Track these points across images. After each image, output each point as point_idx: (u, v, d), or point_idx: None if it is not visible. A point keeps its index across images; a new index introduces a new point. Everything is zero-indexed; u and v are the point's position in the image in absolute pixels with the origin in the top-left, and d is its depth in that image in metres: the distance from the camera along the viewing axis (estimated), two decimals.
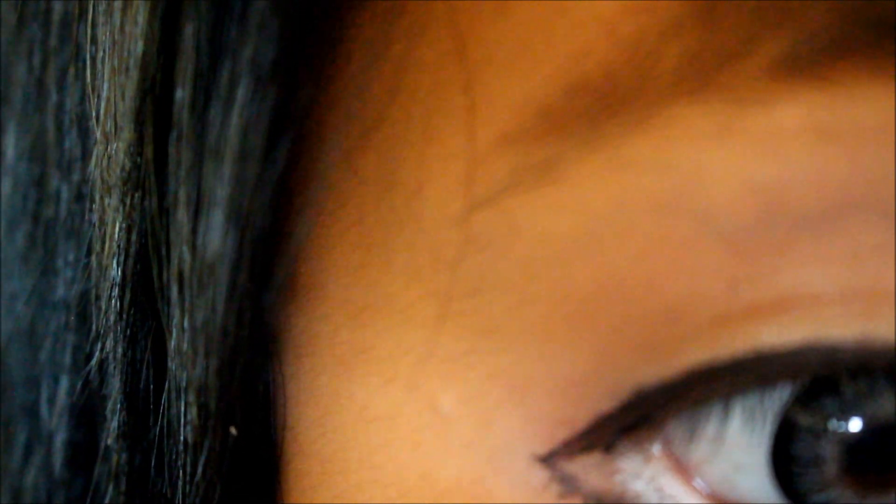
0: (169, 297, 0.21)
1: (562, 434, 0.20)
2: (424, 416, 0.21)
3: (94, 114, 0.22)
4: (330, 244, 0.21)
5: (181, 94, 0.20)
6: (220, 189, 0.20)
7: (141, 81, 0.21)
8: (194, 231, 0.21)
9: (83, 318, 0.24)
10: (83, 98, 0.23)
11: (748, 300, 0.19)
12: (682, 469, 0.20)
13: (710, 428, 0.20)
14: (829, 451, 0.20)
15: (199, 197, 0.20)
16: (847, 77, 0.18)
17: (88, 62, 0.22)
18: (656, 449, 0.20)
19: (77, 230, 0.24)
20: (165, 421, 0.22)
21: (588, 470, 0.20)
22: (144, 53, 0.20)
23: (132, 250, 0.22)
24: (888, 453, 0.19)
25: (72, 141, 0.23)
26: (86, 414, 0.24)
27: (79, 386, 0.23)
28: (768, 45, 0.18)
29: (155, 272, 0.21)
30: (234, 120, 0.20)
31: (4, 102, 0.25)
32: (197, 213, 0.20)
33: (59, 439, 0.25)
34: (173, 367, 0.22)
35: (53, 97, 0.24)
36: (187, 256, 0.21)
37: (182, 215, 0.21)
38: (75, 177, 0.23)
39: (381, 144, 0.20)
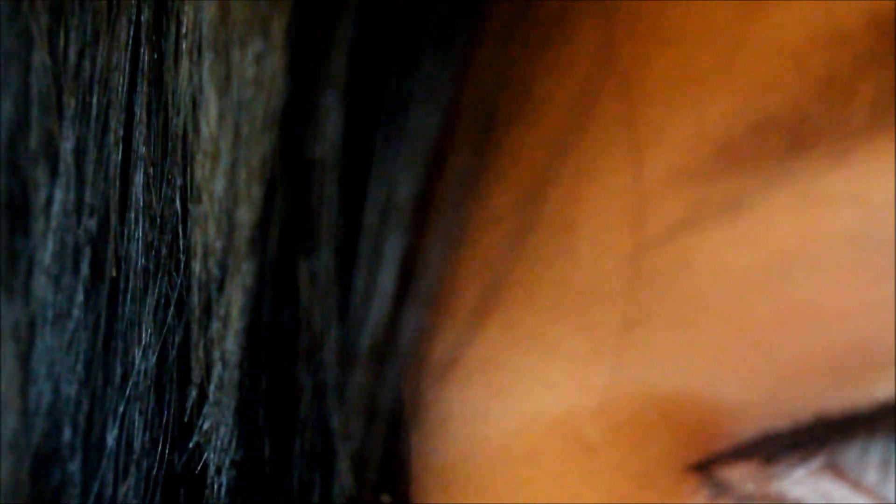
0: (316, 370, 0.19)
1: (720, 446, 0.20)
2: (570, 448, 0.20)
3: (199, 174, 0.20)
4: (468, 286, 0.20)
5: (321, 152, 0.19)
6: (387, 260, 0.18)
7: (273, 143, 0.19)
8: (346, 302, 0.19)
9: (162, 391, 0.22)
10: (166, 154, 0.21)
11: None
12: (846, 474, 0.20)
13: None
14: None
15: (358, 266, 0.19)
16: None
17: (184, 120, 0.20)
18: (822, 460, 0.20)
19: (160, 300, 0.21)
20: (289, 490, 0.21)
21: (744, 476, 0.20)
22: (282, 115, 0.19)
23: (264, 320, 0.20)
24: None
25: (146, 198, 0.21)
26: (169, 488, 0.22)
27: (180, 460, 0.21)
28: None
29: (290, 345, 0.20)
30: (403, 191, 0.18)
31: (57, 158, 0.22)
32: (348, 281, 0.19)
33: None
34: (309, 439, 0.20)
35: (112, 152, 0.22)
36: (335, 328, 0.19)
37: (330, 285, 0.19)
38: (151, 237, 0.21)
39: (542, 188, 0.19)
